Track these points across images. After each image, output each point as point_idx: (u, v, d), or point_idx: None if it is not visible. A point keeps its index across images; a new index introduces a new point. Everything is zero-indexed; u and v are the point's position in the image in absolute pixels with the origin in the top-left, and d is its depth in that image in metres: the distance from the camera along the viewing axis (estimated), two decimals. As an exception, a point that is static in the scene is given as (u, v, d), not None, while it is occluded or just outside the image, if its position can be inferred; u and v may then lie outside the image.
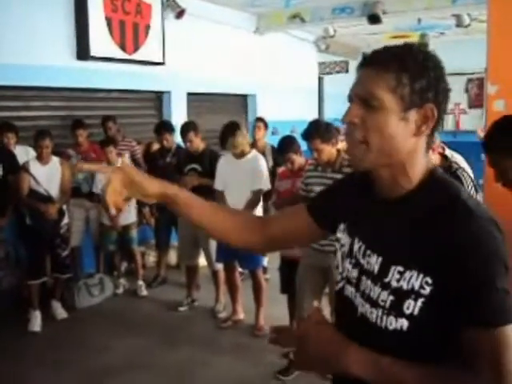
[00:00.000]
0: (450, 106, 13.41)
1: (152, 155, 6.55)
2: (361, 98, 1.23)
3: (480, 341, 1.13)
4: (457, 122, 13.65)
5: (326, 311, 4.19)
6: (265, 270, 6.04)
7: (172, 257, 7.02)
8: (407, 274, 1.20)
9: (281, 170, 5.57)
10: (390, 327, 1.22)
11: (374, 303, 1.27)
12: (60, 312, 5.45)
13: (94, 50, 6.34)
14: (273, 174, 5.84)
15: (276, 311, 5.04)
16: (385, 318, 1.23)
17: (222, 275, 5.51)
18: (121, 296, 6.15)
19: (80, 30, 6.26)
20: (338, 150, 3.97)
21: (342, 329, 1.36)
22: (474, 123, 12.66)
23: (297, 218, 1.59)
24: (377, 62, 1.23)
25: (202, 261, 5.77)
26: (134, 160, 6.54)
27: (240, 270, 5.63)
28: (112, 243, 6.15)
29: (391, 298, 1.23)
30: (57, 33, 6.10)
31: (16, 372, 4.33)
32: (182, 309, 5.64)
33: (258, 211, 5.06)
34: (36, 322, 5.15)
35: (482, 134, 9.50)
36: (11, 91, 5.82)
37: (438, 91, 1.22)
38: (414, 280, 1.19)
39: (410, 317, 1.19)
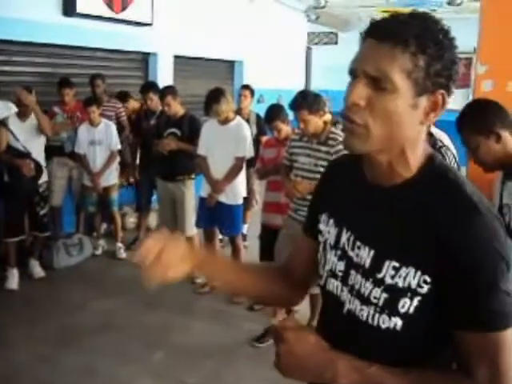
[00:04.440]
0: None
1: (136, 117, 6.50)
2: (370, 76, 1.09)
3: (479, 344, 1.08)
4: (442, 100, 13.68)
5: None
6: (244, 237, 6.08)
7: (152, 219, 7.01)
8: (403, 271, 1.12)
9: (266, 138, 5.58)
10: (383, 326, 1.15)
11: (366, 300, 1.18)
12: (38, 271, 5.43)
13: (81, 7, 6.21)
14: (256, 142, 5.84)
15: (254, 279, 5.08)
16: (377, 316, 1.16)
17: (196, 241, 5.54)
18: (99, 257, 6.15)
19: (67, -15, 6.12)
20: (325, 122, 3.96)
21: (327, 326, 1.33)
22: (460, 103, 12.71)
23: (303, 249, 1.48)
24: (392, 37, 1.07)
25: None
26: (118, 122, 6.48)
27: (220, 236, 5.65)
28: (92, 204, 6.12)
29: (385, 295, 1.15)
30: (43, -13, 5.96)
31: (-9, 328, 4.33)
32: None
33: (241, 178, 5.06)
34: (13, 280, 5.13)
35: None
36: (-6, 44, 5.68)
37: (450, 75, 1.10)
38: (410, 277, 1.11)
39: (404, 315, 1.13)
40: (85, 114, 5.94)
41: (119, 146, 6.04)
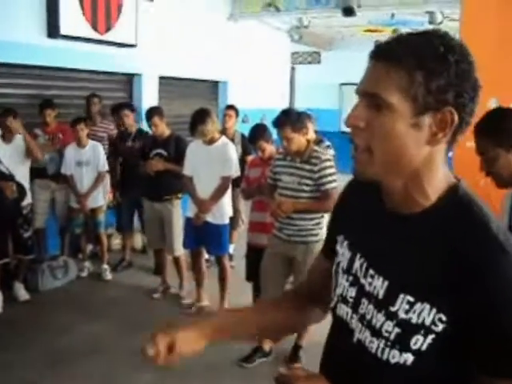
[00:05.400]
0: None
1: (112, 139, 6.48)
2: (368, 95, 1.07)
3: None
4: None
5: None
6: (230, 257, 6.06)
7: (138, 241, 6.98)
8: (418, 306, 1.06)
9: (251, 158, 5.61)
10: (392, 360, 1.09)
11: (376, 333, 1.12)
12: (22, 294, 5.38)
13: (65, 29, 6.23)
14: (242, 161, 5.86)
15: (241, 299, 5.06)
16: (387, 350, 1.10)
17: (183, 261, 5.54)
18: (85, 279, 6.09)
19: (51, 7, 6.13)
20: (308, 141, 3.99)
21: (334, 352, 1.29)
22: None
23: (321, 270, 1.43)
24: (389, 56, 1.05)
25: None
26: (110, 144, 6.49)
27: (206, 257, 5.64)
28: (78, 226, 6.09)
29: (397, 330, 1.08)
30: (27, 9, 5.97)
31: (-25, 353, 4.27)
32: (156, 296, 5.60)
33: (227, 198, 5.06)
34: (-3, 303, 5.08)
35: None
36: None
37: (461, 91, 1.03)
38: (425, 314, 1.05)
39: (416, 352, 1.06)
40: (67, 136, 5.95)
41: (107, 167, 6.03)
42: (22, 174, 5.28)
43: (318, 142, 5.05)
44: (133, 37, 7.22)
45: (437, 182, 1.10)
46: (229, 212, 5.13)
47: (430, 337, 1.04)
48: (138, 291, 5.70)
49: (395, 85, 1.03)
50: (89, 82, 7.12)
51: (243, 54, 9.87)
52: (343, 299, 1.24)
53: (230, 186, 5.08)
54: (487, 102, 2.59)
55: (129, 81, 7.89)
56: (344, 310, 1.23)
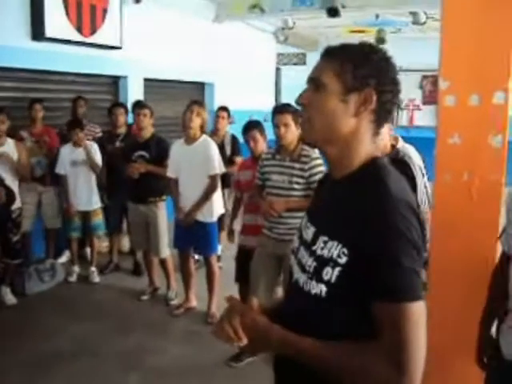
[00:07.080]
0: (405, 101, 13.73)
1: (99, 140, 6.37)
2: (312, 81, 1.42)
3: (383, 314, 1.24)
4: (410, 118, 13.94)
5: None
6: (218, 258, 6.06)
7: (124, 243, 6.96)
8: (329, 244, 1.34)
9: (240, 160, 5.61)
10: (312, 291, 1.36)
11: (303, 269, 1.42)
12: (9, 298, 5.34)
13: (50, 32, 6.22)
14: (230, 162, 5.87)
15: (229, 299, 5.06)
16: (309, 282, 1.38)
17: (170, 262, 5.52)
18: (72, 282, 6.06)
19: (35, 10, 6.12)
20: (298, 140, 4.00)
21: (285, 293, 1.63)
22: (428, 119, 12.96)
23: None
24: (330, 54, 1.43)
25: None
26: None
27: (196, 257, 5.63)
28: (75, 230, 6.06)
29: (314, 264, 1.37)
30: (11, 12, 5.95)
31: (-38, 357, 4.24)
32: (144, 297, 5.59)
33: (217, 197, 5.06)
34: (-16, 307, 5.05)
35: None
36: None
37: (379, 80, 1.36)
38: (333, 249, 1.32)
39: (327, 283, 1.32)
40: (53, 139, 5.92)
41: (100, 165, 5.97)
42: (12, 178, 5.25)
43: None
44: (118, 39, 7.22)
45: (362, 153, 1.40)
46: (219, 210, 5.12)
47: (337, 269, 1.30)
48: (126, 293, 5.69)
49: (330, 71, 1.38)
50: (75, 84, 7.09)
51: (229, 56, 9.89)
52: (292, 251, 1.55)
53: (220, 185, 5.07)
54: (468, 99, 2.63)
55: (114, 83, 7.87)
56: (292, 260, 1.54)
